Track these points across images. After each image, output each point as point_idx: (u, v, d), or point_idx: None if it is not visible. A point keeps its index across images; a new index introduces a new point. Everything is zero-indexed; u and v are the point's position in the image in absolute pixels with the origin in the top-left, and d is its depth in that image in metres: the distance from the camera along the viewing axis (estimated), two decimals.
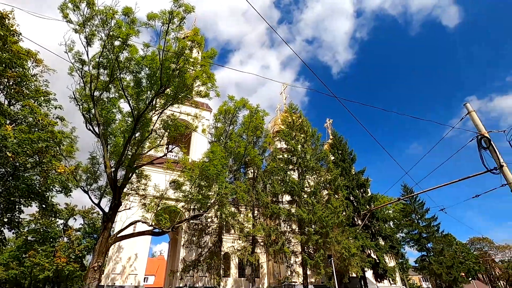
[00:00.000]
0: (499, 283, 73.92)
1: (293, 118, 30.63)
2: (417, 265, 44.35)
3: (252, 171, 29.80)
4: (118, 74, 15.63)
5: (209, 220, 26.13)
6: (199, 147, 33.24)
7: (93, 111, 16.39)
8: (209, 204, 19.46)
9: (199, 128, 23.06)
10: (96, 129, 16.69)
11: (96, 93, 16.54)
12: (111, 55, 15.54)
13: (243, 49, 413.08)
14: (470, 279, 57.13)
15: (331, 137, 41.81)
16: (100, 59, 15.98)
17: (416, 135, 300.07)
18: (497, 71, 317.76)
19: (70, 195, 18.79)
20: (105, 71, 16.82)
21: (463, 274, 54.35)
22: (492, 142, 9.87)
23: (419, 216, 43.06)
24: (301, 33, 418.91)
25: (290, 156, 28.93)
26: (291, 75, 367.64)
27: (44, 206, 18.38)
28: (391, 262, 31.55)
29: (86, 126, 16.92)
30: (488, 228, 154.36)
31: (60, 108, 18.46)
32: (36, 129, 15.90)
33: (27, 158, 15.40)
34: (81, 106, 16.63)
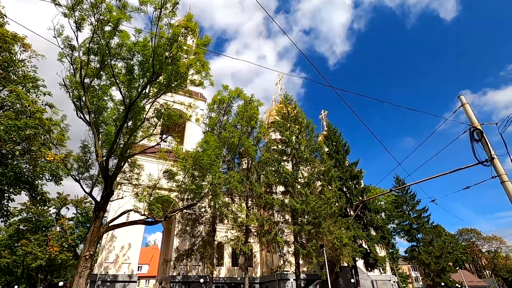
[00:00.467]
0: (484, 272, 76.41)
1: (288, 109, 30.50)
2: (407, 255, 45.49)
3: (246, 161, 29.76)
4: (109, 60, 15.22)
5: (202, 210, 26.17)
6: (193, 137, 33.03)
7: (83, 98, 16.01)
8: (202, 194, 19.41)
9: (193, 117, 22.79)
10: (87, 117, 16.33)
11: (87, 80, 16.12)
12: (102, 40, 15.08)
13: (239, 38, 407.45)
14: (457, 268, 58.85)
15: (325, 128, 41.86)
16: (90, 44, 15.49)
17: (410, 128, 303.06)
18: (491, 66, 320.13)
19: (60, 183, 18.48)
20: (96, 58, 16.36)
21: (451, 263, 55.98)
22: (484, 135, 9.93)
23: (410, 208, 43.88)
24: (298, 23, 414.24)
25: (284, 147, 28.93)
26: (288, 66, 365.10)
27: (33, 194, 18.07)
28: (381, 252, 32.23)
29: (76, 113, 16.55)
30: (477, 219, 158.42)
31: (49, 95, 17.94)
32: (24, 116, 15.47)
33: (15, 145, 15.02)
34: (71, 93, 16.20)
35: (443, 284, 38.58)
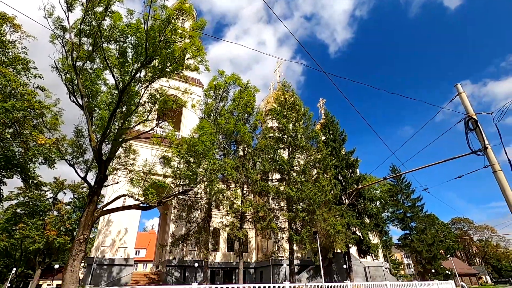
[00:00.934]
0: (475, 260, 78.40)
1: (286, 96, 30.18)
2: (400, 242, 46.40)
3: (242, 148, 29.72)
4: (101, 43, 14.84)
5: (198, 196, 26.32)
6: (190, 123, 32.83)
7: (76, 81, 15.70)
8: (197, 180, 19.43)
9: (189, 103, 22.51)
10: (80, 101, 16.08)
11: (79, 63, 15.76)
12: (93, 22, 14.66)
13: (239, 23, 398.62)
14: (448, 256, 60.22)
15: (323, 117, 41.67)
16: (82, 26, 15.07)
17: (411, 117, 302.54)
18: (493, 55, 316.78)
19: (54, 166, 18.40)
20: (88, 40, 15.95)
21: (442, 251, 57.20)
22: (479, 124, 9.86)
23: (405, 197, 44.38)
24: (299, 8, 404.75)
25: (281, 135, 28.83)
26: (288, 53, 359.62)
27: (25, 178, 18.00)
28: (375, 239, 32.78)
29: (69, 97, 16.28)
30: (471, 209, 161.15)
31: (40, 77, 17.56)
32: (15, 99, 15.18)
33: (5, 128, 14.80)
34: (63, 76, 15.87)
35: (433, 270, 39.54)
